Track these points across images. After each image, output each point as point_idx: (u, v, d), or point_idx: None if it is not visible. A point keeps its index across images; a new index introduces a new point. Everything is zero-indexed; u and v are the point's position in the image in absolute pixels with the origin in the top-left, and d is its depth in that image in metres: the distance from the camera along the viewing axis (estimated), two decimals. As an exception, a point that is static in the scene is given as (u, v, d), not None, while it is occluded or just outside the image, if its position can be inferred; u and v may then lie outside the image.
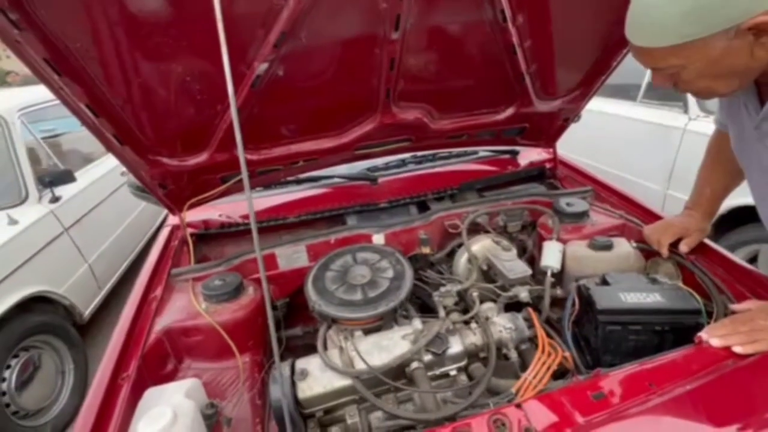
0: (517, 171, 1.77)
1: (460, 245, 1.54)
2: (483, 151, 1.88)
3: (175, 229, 1.57)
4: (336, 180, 1.71)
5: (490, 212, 1.52)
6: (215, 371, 1.18)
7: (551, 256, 1.33)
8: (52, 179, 2.41)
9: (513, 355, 1.11)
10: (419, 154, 1.81)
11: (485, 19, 1.15)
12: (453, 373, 1.11)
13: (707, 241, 1.25)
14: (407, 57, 1.17)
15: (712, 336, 0.87)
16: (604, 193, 1.59)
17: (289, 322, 1.52)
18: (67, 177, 2.46)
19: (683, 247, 1.22)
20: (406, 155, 1.79)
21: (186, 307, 1.22)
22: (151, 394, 0.96)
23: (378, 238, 1.48)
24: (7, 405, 1.85)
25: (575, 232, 1.40)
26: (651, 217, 1.41)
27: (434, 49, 1.22)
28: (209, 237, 1.61)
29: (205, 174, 1.37)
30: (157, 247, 1.48)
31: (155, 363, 1.10)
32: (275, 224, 1.59)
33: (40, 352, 2.10)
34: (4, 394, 1.85)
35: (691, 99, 2.46)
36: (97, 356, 2.55)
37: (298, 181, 1.73)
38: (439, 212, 1.52)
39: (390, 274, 1.25)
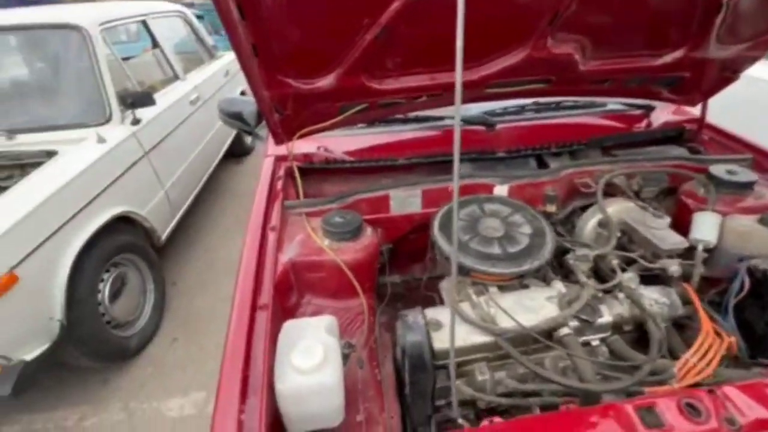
0: (652, 129, 1.56)
1: (584, 207, 1.41)
2: (613, 104, 1.67)
3: (278, 160, 1.50)
4: (448, 122, 1.57)
5: (628, 173, 1.35)
6: (333, 310, 1.15)
7: (705, 228, 1.17)
8: (134, 100, 2.37)
9: (656, 332, 1.01)
10: (542, 100, 1.63)
11: None
12: (595, 343, 1.02)
13: None
14: None
15: None
16: None
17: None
18: (147, 99, 2.41)
19: None
20: (527, 101, 1.61)
21: (306, 241, 1.17)
22: (291, 327, 0.93)
23: (500, 190, 1.36)
24: (102, 314, 1.95)
25: (733, 204, 1.23)
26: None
27: None
28: (309, 172, 1.54)
29: (326, 100, 1.26)
30: (264, 177, 1.42)
31: (282, 295, 1.07)
32: (383, 165, 1.48)
33: (126, 269, 2.17)
34: (100, 304, 1.94)
35: None
36: (171, 278, 2.67)
37: (405, 120, 1.60)
38: (569, 168, 1.37)
39: (527, 230, 1.14)
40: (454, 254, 0.69)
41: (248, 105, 1.78)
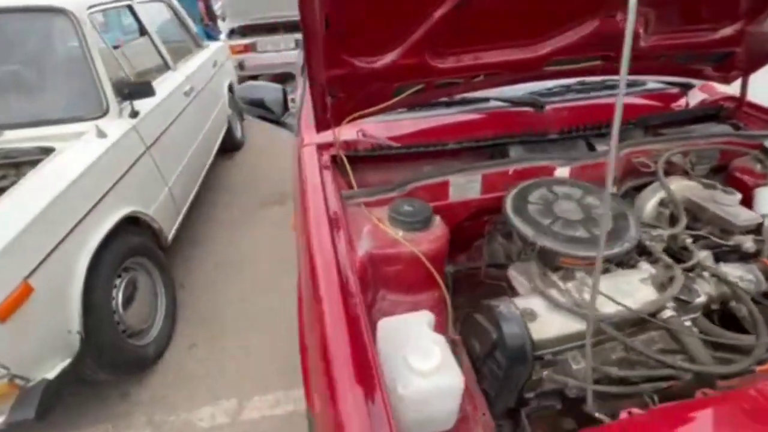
0: (695, 107, 1.56)
1: (637, 187, 1.39)
2: (653, 83, 1.65)
3: (320, 148, 1.40)
4: (494, 104, 1.51)
5: (683, 151, 1.34)
6: (408, 305, 1.08)
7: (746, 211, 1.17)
8: (131, 91, 2.18)
9: (755, 309, 1.00)
10: (587, 80, 1.59)
11: None
12: (687, 324, 1.00)
13: None
14: None
15: None
16: None
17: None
18: (146, 89, 2.23)
19: None
20: (572, 81, 1.57)
21: (376, 233, 1.09)
22: (388, 325, 0.86)
23: (562, 172, 1.32)
24: (117, 323, 1.80)
25: None
26: None
27: None
28: (353, 160, 1.45)
29: (383, 80, 1.18)
30: (309, 168, 1.32)
31: (362, 291, 0.99)
32: (433, 150, 1.41)
33: (136, 274, 2.02)
34: (115, 312, 1.79)
35: None
36: (178, 281, 2.51)
37: (448, 104, 1.53)
38: (626, 148, 1.34)
39: (618, 212, 1.11)
40: (600, 246, 0.64)
41: (272, 91, 1.67)
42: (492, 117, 1.49)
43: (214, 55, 3.92)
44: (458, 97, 1.50)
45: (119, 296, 1.85)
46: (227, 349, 2.11)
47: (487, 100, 1.52)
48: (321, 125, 1.31)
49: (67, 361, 1.47)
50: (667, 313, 0.92)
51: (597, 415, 0.79)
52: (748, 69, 1.49)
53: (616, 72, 1.57)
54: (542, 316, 0.95)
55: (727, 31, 1.30)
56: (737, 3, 1.23)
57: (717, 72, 1.53)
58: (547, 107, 1.49)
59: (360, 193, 1.22)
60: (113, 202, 1.86)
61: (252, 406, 1.81)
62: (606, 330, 0.90)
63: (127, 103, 2.20)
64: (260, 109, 1.68)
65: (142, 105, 2.29)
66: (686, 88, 1.68)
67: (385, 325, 0.86)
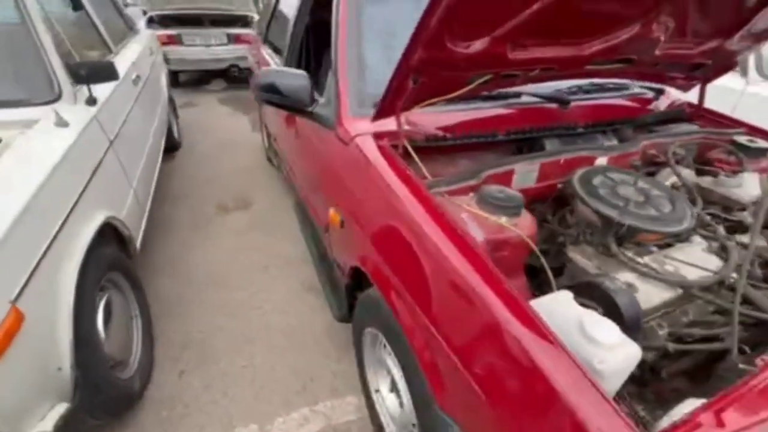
0: (670, 109, 1.85)
1: (650, 173, 1.59)
2: (637, 87, 1.90)
3: (377, 137, 1.32)
4: (525, 99, 1.59)
5: (683, 143, 1.58)
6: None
7: (751, 185, 1.44)
8: (89, 73, 1.80)
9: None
10: (596, 81, 1.77)
11: None
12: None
13: None
14: None
15: None
16: (758, 135, 1.74)
17: None
18: (109, 72, 1.87)
19: None
20: (584, 82, 1.73)
21: (477, 220, 1.08)
22: (540, 306, 0.85)
23: (601, 161, 1.44)
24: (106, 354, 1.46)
25: (758, 165, 1.53)
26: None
27: None
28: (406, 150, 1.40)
29: (463, 68, 1.18)
30: (375, 158, 1.24)
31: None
32: (484, 141, 1.43)
33: (111, 293, 1.66)
34: (101, 341, 1.45)
35: (751, 61, 2.76)
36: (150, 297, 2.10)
37: (484, 98, 1.57)
38: (644, 140, 1.53)
39: (659, 193, 1.24)
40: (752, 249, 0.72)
41: (298, 78, 1.53)
42: (525, 112, 1.57)
43: (149, 42, 3.45)
44: (496, 92, 1.55)
45: (100, 321, 1.50)
46: (227, 372, 1.85)
47: (518, 95, 1.60)
48: (384, 112, 1.25)
49: (64, 407, 1.15)
50: (734, 278, 1.07)
51: (741, 366, 0.88)
52: (707, 79, 1.81)
53: (633, 75, 1.74)
54: (639, 286, 1.04)
55: (711, 45, 1.56)
56: (723, 21, 1.48)
57: (683, 81, 1.83)
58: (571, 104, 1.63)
59: (444, 181, 1.19)
60: (88, 206, 1.51)
61: (277, 429, 1.61)
62: (699, 297, 1.01)
63: (80, 87, 1.81)
64: (283, 96, 1.52)
65: (97, 91, 1.91)
66: (659, 93, 1.97)
67: (538, 305, 0.85)
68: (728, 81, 2.84)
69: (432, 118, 1.44)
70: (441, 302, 0.91)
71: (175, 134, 4.05)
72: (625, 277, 1.06)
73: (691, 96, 1.94)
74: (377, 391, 1.51)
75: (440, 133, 1.38)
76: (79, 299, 1.28)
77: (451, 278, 0.88)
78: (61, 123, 1.57)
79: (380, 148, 1.28)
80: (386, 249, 1.12)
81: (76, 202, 1.42)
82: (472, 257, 0.87)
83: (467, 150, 1.48)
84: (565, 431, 0.64)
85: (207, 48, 5.78)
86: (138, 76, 2.65)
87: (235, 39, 5.83)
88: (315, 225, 2.11)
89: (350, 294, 1.60)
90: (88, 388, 1.29)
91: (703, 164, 1.65)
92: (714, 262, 1.12)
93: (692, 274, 1.06)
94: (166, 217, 3.01)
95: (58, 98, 1.68)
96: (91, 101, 1.83)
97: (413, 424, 1.24)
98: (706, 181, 1.49)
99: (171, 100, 3.99)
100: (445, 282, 0.90)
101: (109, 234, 1.76)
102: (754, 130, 1.77)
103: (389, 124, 1.29)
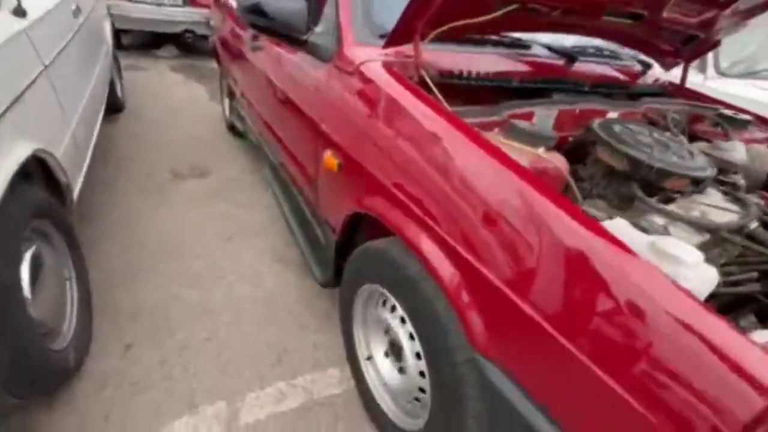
0: (661, 83, 1.87)
1: None
2: (627, 58, 1.90)
3: (386, 66, 1.16)
4: (536, 50, 1.50)
5: (680, 110, 1.58)
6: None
7: (741, 153, 1.46)
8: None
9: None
10: (596, 43, 1.73)
11: None
12: None
13: None
14: None
15: None
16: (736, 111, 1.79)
17: None
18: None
19: None
20: (586, 44, 1.68)
21: (512, 151, 0.95)
22: (612, 227, 0.74)
23: (612, 115, 1.39)
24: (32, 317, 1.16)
25: (742, 136, 1.57)
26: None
27: None
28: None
29: None
30: (393, 88, 1.07)
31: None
32: (497, 85, 1.32)
33: (39, 246, 1.35)
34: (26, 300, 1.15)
35: (709, 58, 2.91)
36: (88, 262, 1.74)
37: (495, 43, 1.46)
38: (648, 103, 1.51)
39: (674, 144, 1.20)
40: None
41: (293, 1, 1.33)
42: (535, 63, 1.49)
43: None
44: (507, 40, 1.45)
45: (26, 277, 1.20)
46: (186, 345, 1.59)
47: (528, 46, 1.51)
48: (399, 36, 1.09)
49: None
50: (754, 225, 1.05)
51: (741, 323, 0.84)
52: (689, 59, 1.84)
53: (633, 43, 1.70)
54: (671, 232, 0.98)
55: (709, 15, 1.56)
56: None
57: (671, 57, 1.85)
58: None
59: (470, 112, 1.06)
60: (11, 132, 1.20)
61: (250, 405, 1.40)
62: (730, 239, 0.97)
63: (4, -6, 1.45)
64: (272, 20, 1.31)
65: (29, 5, 1.56)
66: (646, 67, 1.99)
67: (610, 227, 0.74)
68: (689, 76, 3.00)
69: (442, 57, 1.30)
70: (492, 234, 0.77)
71: (119, 93, 3.58)
72: (662, 220, 0.99)
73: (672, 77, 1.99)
74: (369, 358, 1.35)
75: (457, 69, 1.24)
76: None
77: (513, 205, 0.74)
78: (-23, 26, 1.24)
79: (394, 74, 1.12)
80: (410, 183, 0.96)
81: (-3, 122, 1.11)
82: (534, 182, 0.74)
83: (477, 94, 1.37)
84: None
85: (159, 7, 5.21)
86: (78, 8, 2.25)
87: (191, 1, 5.32)
88: (293, 189, 1.90)
89: (339, 254, 1.42)
90: (5, 354, 1.01)
91: (691, 136, 1.67)
92: (734, 211, 1.09)
93: (719, 220, 1.02)
94: (110, 178, 2.61)
95: (-28, -1, 1.33)
96: (20, 12, 1.48)
97: (420, 389, 1.10)
98: (702, 146, 1.49)
99: (115, 57, 3.51)
100: (502, 210, 0.76)
101: (41, 174, 1.44)
102: (730, 107, 1.83)
103: (399, 55, 1.14)
